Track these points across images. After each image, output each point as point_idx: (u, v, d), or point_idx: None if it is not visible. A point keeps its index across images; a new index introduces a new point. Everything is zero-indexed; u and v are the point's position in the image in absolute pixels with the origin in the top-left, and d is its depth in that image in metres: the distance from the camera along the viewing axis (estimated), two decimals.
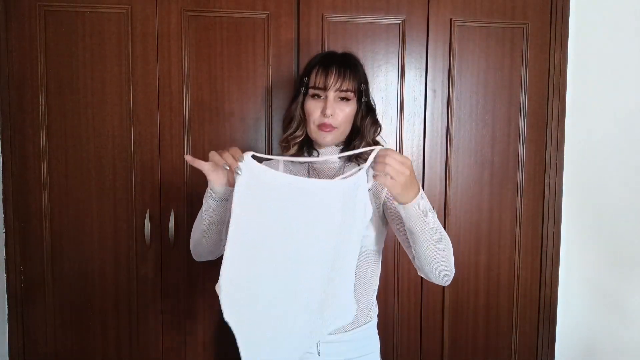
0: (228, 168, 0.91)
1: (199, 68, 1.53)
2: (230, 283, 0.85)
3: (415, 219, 0.94)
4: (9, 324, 1.55)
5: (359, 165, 1.17)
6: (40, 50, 1.48)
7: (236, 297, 0.85)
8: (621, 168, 1.69)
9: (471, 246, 1.65)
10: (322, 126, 1.13)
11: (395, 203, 0.95)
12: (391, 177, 0.88)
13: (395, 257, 1.63)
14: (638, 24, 1.66)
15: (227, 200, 1.00)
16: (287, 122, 1.21)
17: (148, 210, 1.54)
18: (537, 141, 1.65)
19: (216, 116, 1.55)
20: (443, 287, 1.65)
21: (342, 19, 1.56)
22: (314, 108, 1.14)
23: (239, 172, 0.87)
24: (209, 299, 1.59)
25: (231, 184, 0.94)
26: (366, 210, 0.94)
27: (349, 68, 1.14)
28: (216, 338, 1.61)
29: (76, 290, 1.55)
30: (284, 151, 1.22)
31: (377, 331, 1.21)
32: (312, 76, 1.14)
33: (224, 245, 0.93)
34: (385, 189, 1.10)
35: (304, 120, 1.18)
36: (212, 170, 0.96)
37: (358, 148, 1.14)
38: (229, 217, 0.88)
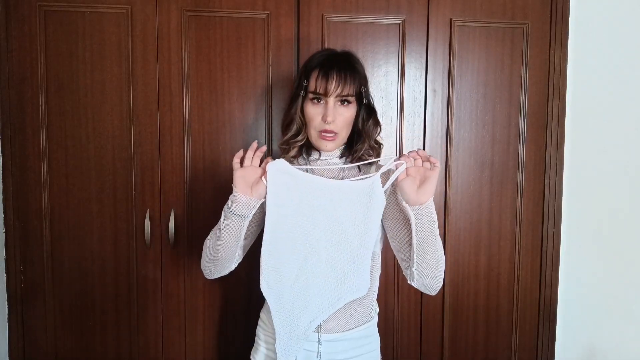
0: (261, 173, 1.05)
1: (199, 68, 1.53)
2: (265, 264, 1.07)
3: (427, 219, 1.01)
4: (9, 324, 1.55)
5: (359, 169, 1.18)
6: (40, 50, 1.48)
7: (268, 274, 1.07)
8: (621, 168, 1.69)
9: (471, 246, 1.65)
10: (323, 133, 1.12)
11: (407, 205, 1.01)
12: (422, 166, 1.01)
13: (395, 258, 1.62)
14: (638, 24, 1.66)
15: (248, 216, 1.06)
16: (286, 124, 1.19)
17: (148, 210, 1.54)
18: (537, 141, 1.65)
19: (216, 116, 1.55)
20: (443, 287, 1.64)
21: (342, 19, 1.56)
22: (314, 114, 1.12)
23: (268, 167, 1.03)
24: (209, 299, 1.59)
25: (261, 196, 1.06)
26: (382, 204, 1.06)
27: (350, 71, 1.11)
28: (216, 338, 1.61)
29: (76, 290, 1.55)
30: (283, 153, 1.20)
31: (377, 330, 1.21)
32: (312, 80, 1.12)
33: (236, 262, 1.13)
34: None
35: (304, 124, 1.15)
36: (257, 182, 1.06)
37: (360, 151, 1.17)
38: (264, 213, 1.07)
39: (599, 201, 1.69)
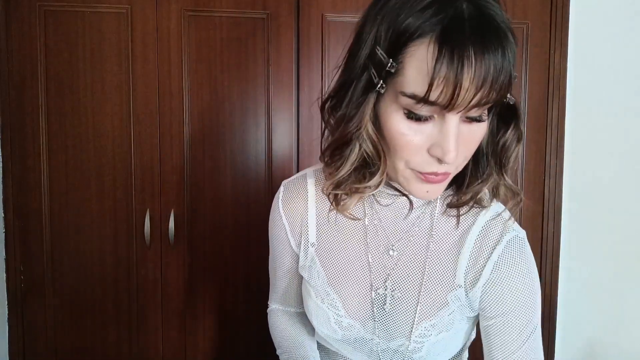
0: None
1: (199, 68, 1.53)
2: None
3: None
4: (9, 324, 1.55)
5: (457, 219, 0.69)
6: (40, 50, 1.48)
7: None
8: (621, 168, 1.69)
9: None
10: (427, 174, 0.58)
11: None
12: None
13: None
14: (638, 24, 1.66)
15: None
16: (334, 147, 0.63)
17: (148, 210, 1.54)
18: (537, 141, 1.65)
19: (216, 116, 1.55)
20: None
21: (342, 19, 1.56)
22: (412, 140, 0.56)
23: None
24: (209, 299, 1.59)
25: None
26: None
27: (505, 59, 0.50)
28: (216, 338, 1.61)
29: (76, 290, 1.55)
30: (332, 200, 0.68)
31: None
32: (412, 68, 0.52)
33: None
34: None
35: (380, 149, 0.59)
36: None
37: (477, 194, 0.65)
38: None
39: (599, 201, 1.69)
